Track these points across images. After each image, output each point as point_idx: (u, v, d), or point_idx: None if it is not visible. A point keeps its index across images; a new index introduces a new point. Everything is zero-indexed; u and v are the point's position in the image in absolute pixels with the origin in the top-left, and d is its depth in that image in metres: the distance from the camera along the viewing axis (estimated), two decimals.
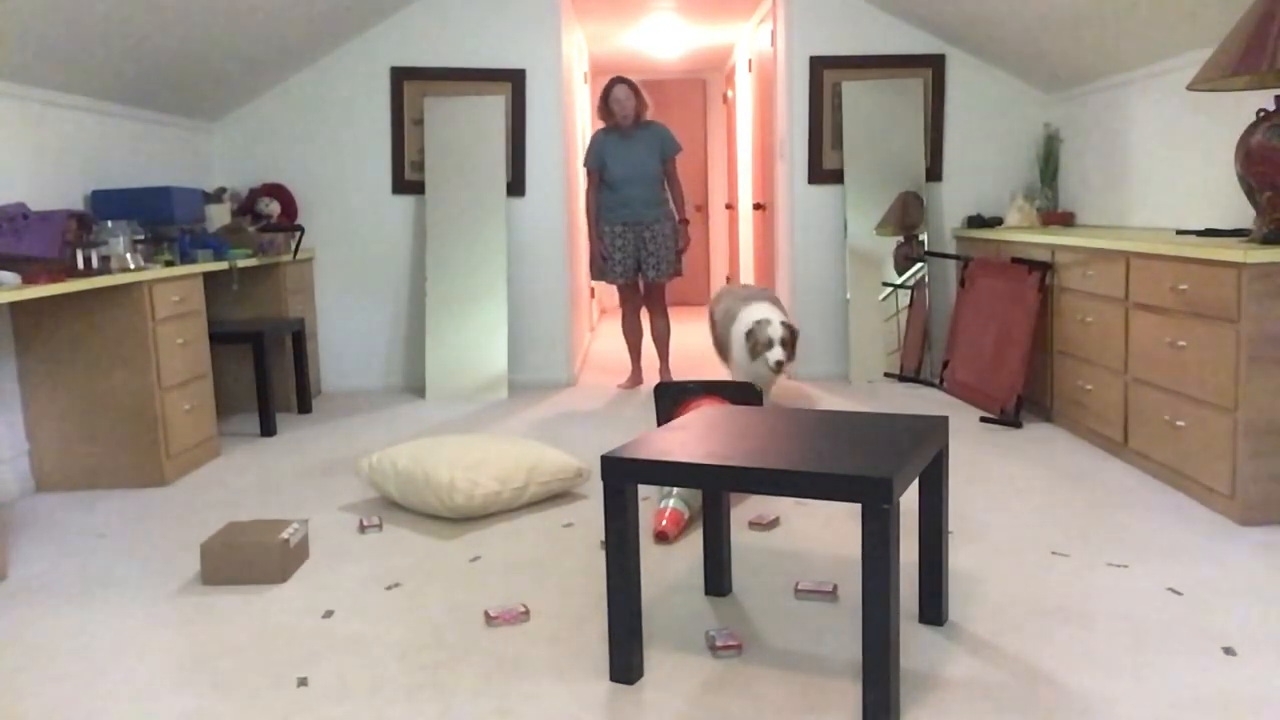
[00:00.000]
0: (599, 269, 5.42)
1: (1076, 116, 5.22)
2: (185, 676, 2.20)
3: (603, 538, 3.03)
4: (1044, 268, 4.30)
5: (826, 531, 3.03)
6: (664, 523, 2.97)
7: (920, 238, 5.47)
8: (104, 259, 3.62)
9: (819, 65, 5.53)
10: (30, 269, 3.29)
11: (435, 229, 5.48)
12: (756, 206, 7.04)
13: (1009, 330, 4.49)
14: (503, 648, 2.29)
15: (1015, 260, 4.59)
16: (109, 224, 3.69)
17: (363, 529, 3.17)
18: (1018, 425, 4.30)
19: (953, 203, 5.64)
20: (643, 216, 5.32)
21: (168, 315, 3.87)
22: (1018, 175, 5.63)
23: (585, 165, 5.41)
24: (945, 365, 5.18)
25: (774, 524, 3.09)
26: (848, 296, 5.56)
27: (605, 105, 5.34)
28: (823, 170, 5.60)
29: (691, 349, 7.08)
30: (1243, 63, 2.89)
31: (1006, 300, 4.57)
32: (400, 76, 5.55)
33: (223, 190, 5.19)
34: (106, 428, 3.76)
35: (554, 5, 5.53)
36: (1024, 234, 4.58)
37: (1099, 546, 2.83)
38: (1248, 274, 2.88)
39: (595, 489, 3.57)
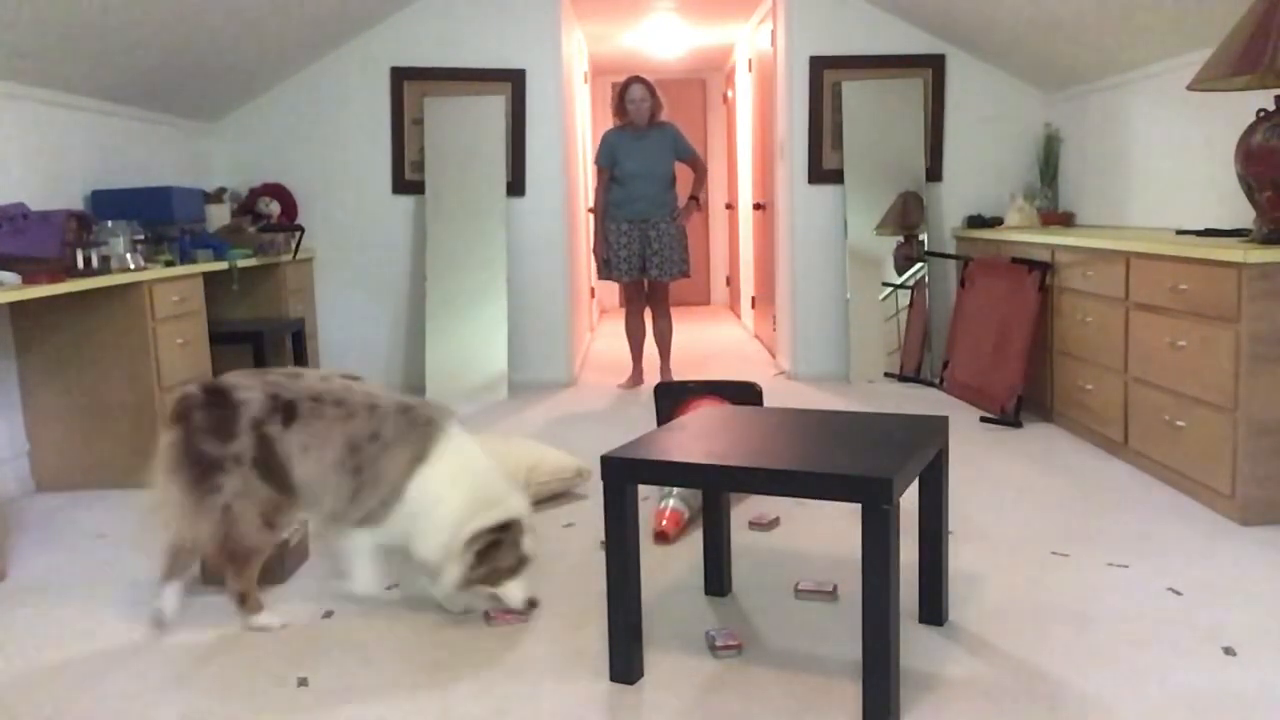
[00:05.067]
0: (604, 268, 5.43)
1: (1076, 116, 5.22)
2: (185, 676, 2.20)
3: (603, 538, 3.03)
4: (1044, 268, 4.29)
5: (826, 531, 3.03)
6: (664, 523, 2.96)
7: (920, 238, 5.47)
8: (104, 259, 3.62)
9: (819, 65, 5.53)
10: (30, 269, 3.29)
11: (435, 229, 5.48)
12: (756, 206, 7.05)
13: (1009, 330, 4.49)
14: (503, 648, 2.29)
15: (1015, 260, 4.59)
16: (109, 224, 3.69)
17: None
18: (1018, 425, 4.29)
19: (953, 203, 5.64)
20: (649, 214, 5.33)
21: (168, 315, 3.87)
22: (1018, 175, 5.62)
23: (597, 163, 5.42)
24: (945, 365, 5.18)
25: (774, 524, 3.09)
26: (848, 296, 5.56)
27: (620, 103, 5.36)
28: (823, 170, 5.60)
29: (692, 349, 7.07)
30: (1243, 63, 2.89)
31: (1006, 300, 4.57)
32: (400, 76, 5.55)
33: (223, 190, 5.19)
34: (106, 428, 3.76)
35: (554, 5, 5.53)
36: (1024, 234, 4.58)
37: (1099, 546, 2.83)
38: (1248, 274, 2.88)
39: (595, 489, 3.56)
